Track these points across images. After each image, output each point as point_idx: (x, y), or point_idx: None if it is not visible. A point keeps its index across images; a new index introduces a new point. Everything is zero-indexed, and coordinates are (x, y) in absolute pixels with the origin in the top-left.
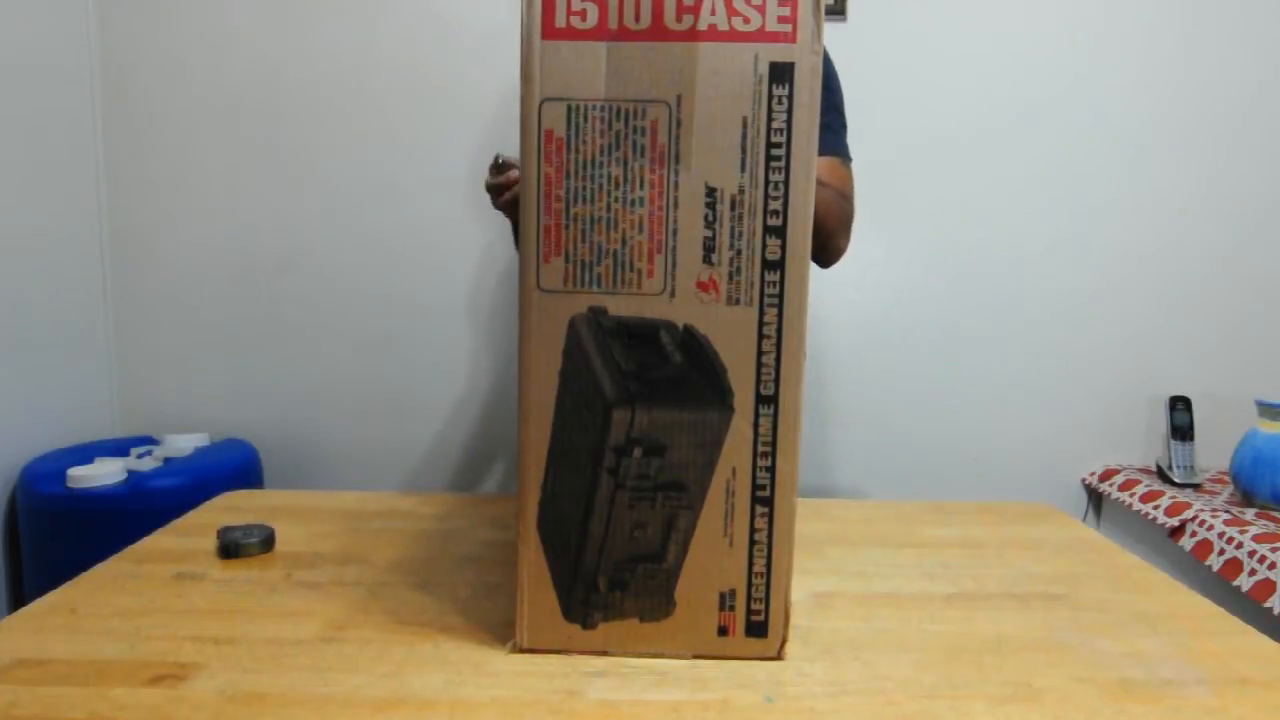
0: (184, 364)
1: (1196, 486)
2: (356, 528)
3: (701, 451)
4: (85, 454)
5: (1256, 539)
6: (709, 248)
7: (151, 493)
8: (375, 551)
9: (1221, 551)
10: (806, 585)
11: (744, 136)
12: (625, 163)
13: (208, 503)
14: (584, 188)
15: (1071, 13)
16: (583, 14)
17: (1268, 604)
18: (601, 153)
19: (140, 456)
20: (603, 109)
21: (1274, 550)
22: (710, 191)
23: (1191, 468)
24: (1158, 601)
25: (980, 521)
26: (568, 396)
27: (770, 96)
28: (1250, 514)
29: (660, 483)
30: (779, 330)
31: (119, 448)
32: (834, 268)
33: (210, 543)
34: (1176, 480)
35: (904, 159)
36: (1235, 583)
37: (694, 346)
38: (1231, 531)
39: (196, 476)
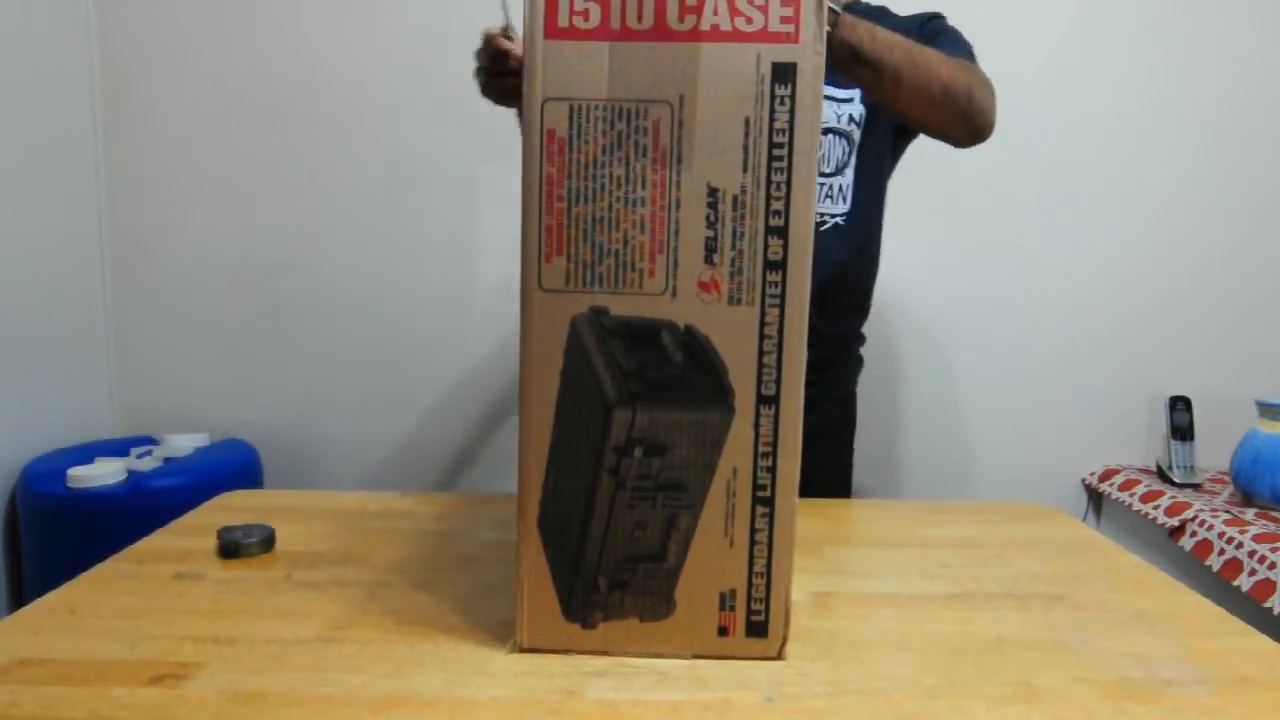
0: (184, 364)
1: (1196, 486)
2: (356, 528)
3: (702, 452)
4: (85, 454)
5: (1256, 539)
6: (711, 248)
7: (151, 493)
8: (375, 551)
9: (1221, 551)
10: (806, 585)
11: (746, 137)
12: (627, 162)
13: (208, 503)
14: (586, 187)
15: (1068, 13)
16: (585, 14)
17: (1268, 604)
18: (604, 152)
19: (140, 456)
20: (605, 109)
21: (1274, 550)
22: (712, 191)
23: (1191, 468)
24: (1158, 601)
25: (980, 521)
26: (569, 396)
27: (773, 97)
28: (1250, 514)
29: (661, 483)
30: (780, 330)
31: (119, 448)
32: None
33: (210, 543)
34: (1176, 480)
35: (901, 159)
36: (1235, 583)
37: (695, 346)
38: (1231, 531)
39: (196, 476)
